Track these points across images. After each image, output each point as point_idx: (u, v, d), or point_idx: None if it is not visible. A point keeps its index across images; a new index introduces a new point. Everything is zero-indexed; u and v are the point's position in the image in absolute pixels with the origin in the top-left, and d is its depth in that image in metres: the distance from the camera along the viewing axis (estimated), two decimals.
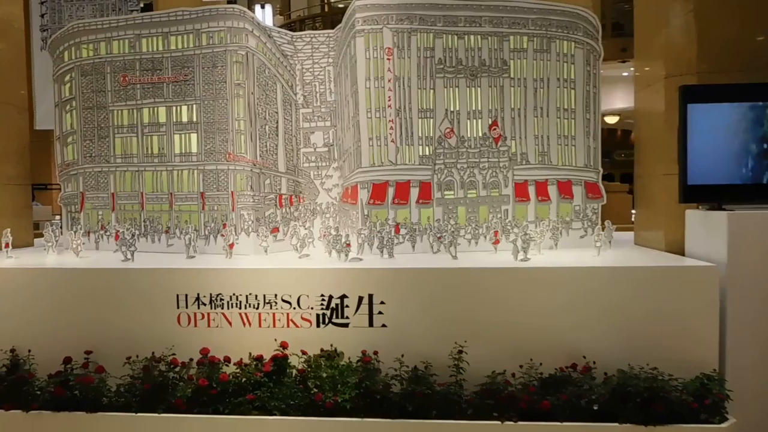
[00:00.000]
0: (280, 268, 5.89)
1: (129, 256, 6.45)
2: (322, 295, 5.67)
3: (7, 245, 6.92)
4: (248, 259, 6.68)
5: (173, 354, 5.70)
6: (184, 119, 7.43)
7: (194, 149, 7.41)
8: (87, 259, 6.91)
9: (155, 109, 7.55)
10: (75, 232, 7.10)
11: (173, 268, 5.97)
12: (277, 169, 7.67)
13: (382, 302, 5.62)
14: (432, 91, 7.15)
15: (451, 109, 7.20)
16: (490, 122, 7.28)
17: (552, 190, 7.43)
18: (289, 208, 7.83)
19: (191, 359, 5.72)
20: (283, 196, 7.74)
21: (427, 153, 7.16)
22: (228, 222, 7.25)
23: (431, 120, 7.18)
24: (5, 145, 7.89)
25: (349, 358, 5.61)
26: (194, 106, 7.38)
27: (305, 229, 7.50)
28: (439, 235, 6.95)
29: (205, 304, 5.77)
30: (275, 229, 7.50)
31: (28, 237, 8.34)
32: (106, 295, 5.88)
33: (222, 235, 7.21)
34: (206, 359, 5.64)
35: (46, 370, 5.78)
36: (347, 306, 5.65)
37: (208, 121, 7.31)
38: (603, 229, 6.77)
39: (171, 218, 7.56)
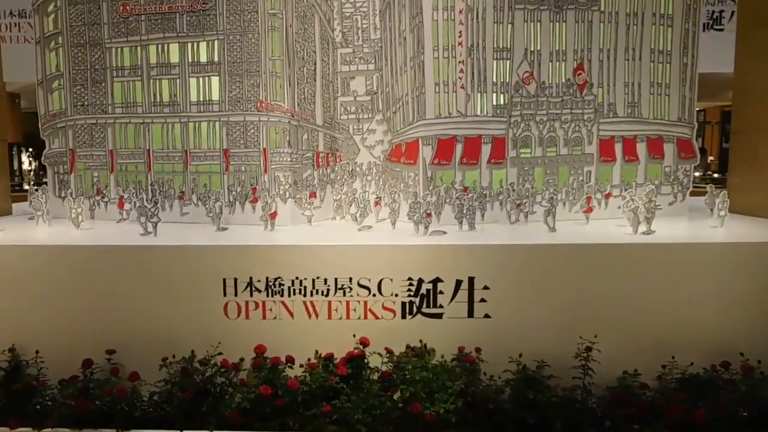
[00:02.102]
0: (355, 245, 4.66)
1: (150, 229, 5.12)
2: (410, 279, 4.50)
3: None
4: (288, 231, 5.43)
5: (219, 353, 4.46)
6: (203, 59, 6.03)
7: (216, 96, 6.03)
8: (90, 231, 5.55)
9: (165, 46, 6.12)
10: (75, 198, 5.68)
11: (217, 246, 4.68)
12: (315, 122, 6.35)
13: (485, 287, 4.48)
14: (510, 26, 5.92)
15: (531, 49, 5.99)
16: (575, 65, 6.11)
17: (641, 149, 6.35)
18: (326, 169, 6.55)
19: (242, 359, 4.50)
20: (320, 155, 6.45)
21: (502, 102, 5.96)
22: (259, 186, 5.95)
23: (507, 62, 5.97)
24: None
25: (442, 357, 4.48)
26: (216, 42, 5.97)
27: (340, 193, 6.29)
28: (518, 202, 5.82)
29: (259, 291, 4.53)
30: (312, 194, 6.23)
31: (5, 203, 6.85)
32: (128, 279, 4.59)
33: (251, 202, 5.93)
34: (264, 360, 4.44)
35: (55, 374, 4.50)
36: (441, 292, 4.50)
37: (234, 61, 5.92)
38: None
39: (186, 181, 6.20)
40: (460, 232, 5.26)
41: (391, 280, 4.50)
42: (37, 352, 4.52)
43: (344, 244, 4.64)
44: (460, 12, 5.75)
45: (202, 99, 6.07)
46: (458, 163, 5.89)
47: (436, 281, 4.49)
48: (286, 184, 5.87)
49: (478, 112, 5.91)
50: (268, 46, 5.81)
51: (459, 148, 5.87)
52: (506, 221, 5.82)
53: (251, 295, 4.55)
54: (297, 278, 4.52)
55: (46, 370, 4.50)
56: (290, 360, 4.45)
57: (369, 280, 4.51)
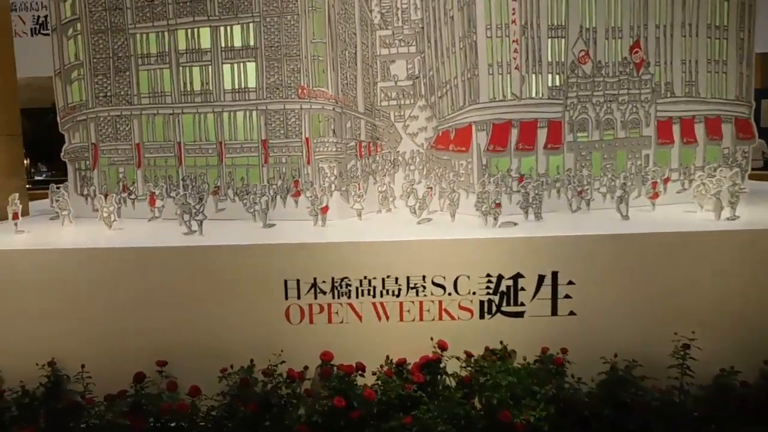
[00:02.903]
0: (428, 240, 4.29)
1: (195, 228, 4.72)
2: (489, 276, 4.14)
3: (15, 215, 5.08)
4: (340, 226, 5.08)
5: (282, 362, 4.10)
6: (237, 43, 5.62)
7: (252, 83, 5.62)
8: (123, 231, 5.14)
9: (195, 30, 5.69)
10: (106, 196, 5.27)
11: (279, 244, 4.29)
12: (357, 109, 5.97)
13: (570, 282, 4.14)
14: (565, 1, 5.55)
15: (587, 26, 5.63)
16: (631, 43, 5.76)
17: (699, 129, 6.03)
18: (368, 158, 6.17)
19: (306, 367, 4.14)
20: (362, 144, 6.07)
21: (557, 83, 5.61)
22: (301, 178, 5.56)
23: (563, 40, 5.61)
24: None
25: (525, 359, 4.15)
26: (251, 25, 5.56)
27: (384, 184, 5.93)
28: (579, 189, 5.48)
29: (324, 293, 4.17)
30: (358, 186, 5.86)
31: (23, 203, 6.38)
32: (178, 283, 4.21)
33: (293, 196, 5.56)
34: (332, 368, 4.08)
35: (97, 389, 4.12)
36: (522, 289, 4.15)
37: (272, 45, 5.52)
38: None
39: (221, 175, 5.80)
40: (528, 222, 4.92)
41: (468, 277, 4.15)
42: (83, 366, 4.12)
43: (416, 239, 4.27)
44: None
45: (237, 87, 5.67)
46: (513, 149, 5.53)
47: (516, 277, 4.15)
48: (332, 176, 5.49)
49: (533, 95, 5.57)
50: (309, 28, 5.40)
51: (514, 133, 5.52)
52: (566, 210, 5.48)
53: (315, 298, 4.18)
54: (365, 278, 4.16)
55: (93, 386, 4.10)
56: (361, 368, 4.09)
57: (444, 277, 4.16)
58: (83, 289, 4.22)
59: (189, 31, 5.69)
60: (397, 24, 6.19)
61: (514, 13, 5.42)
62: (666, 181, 5.84)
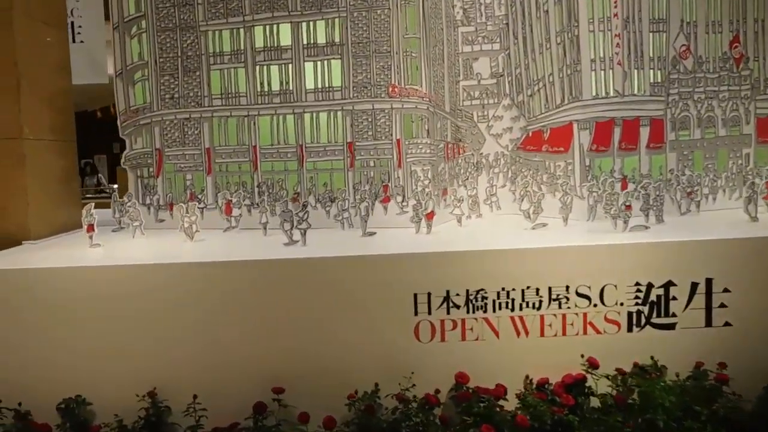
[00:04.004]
0: (571, 246, 3.94)
1: (297, 238, 4.34)
2: (638, 284, 3.80)
3: (90, 227, 4.65)
4: (447, 233, 4.73)
5: (413, 384, 3.72)
6: (321, 40, 5.26)
7: (337, 82, 5.26)
8: (206, 242, 4.74)
9: (274, 27, 5.32)
10: (187, 206, 4.86)
11: (405, 254, 3.91)
12: (444, 108, 5.63)
13: (725, 290, 3.81)
14: None
15: (687, 20, 5.34)
16: (731, 37, 5.49)
17: None
18: (452, 161, 5.83)
19: (437, 391, 3.76)
20: (449, 146, 5.72)
21: (659, 79, 5.31)
22: (391, 182, 5.21)
23: (664, 34, 5.31)
24: (44, 83, 5.41)
25: (677, 375, 3.81)
26: (336, 20, 5.20)
27: (466, 188, 5.59)
28: (689, 190, 5.18)
29: (458, 307, 3.80)
30: (444, 191, 5.52)
31: (76, 214, 5.94)
32: (285, 298, 3.79)
33: (381, 201, 5.20)
34: (470, 390, 3.70)
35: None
36: (674, 298, 3.81)
37: (360, 41, 5.17)
38: None
39: (301, 180, 5.43)
40: (655, 226, 4.60)
41: (616, 286, 3.81)
42: (195, 396, 3.70)
43: (559, 246, 3.92)
44: None
45: (320, 86, 5.30)
46: (616, 149, 5.22)
47: (668, 285, 3.81)
48: (425, 180, 5.13)
49: (635, 91, 5.26)
50: (402, 23, 5.05)
51: (617, 132, 5.21)
52: (673, 212, 5.17)
53: (448, 313, 3.81)
54: (503, 289, 3.80)
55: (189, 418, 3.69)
56: (501, 391, 3.72)
57: (589, 287, 3.81)
58: (178, 307, 3.79)
59: (267, 27, 5.32)
60: (480, 20, 5.85)
61: (616, 6, 5.12)
62: None
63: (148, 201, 5.78)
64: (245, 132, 5.47)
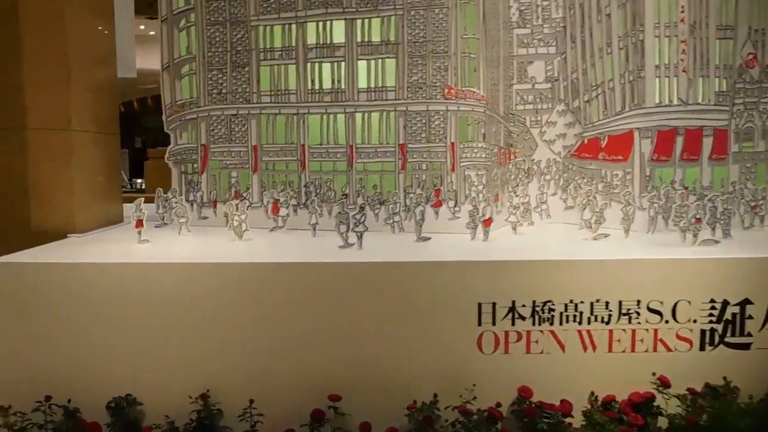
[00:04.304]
0: (643, 260, 3.77)
1: (353, 241, 4.21)
2: (713, 301, 3.62)
3: (139, 222, 4.55)
4: (505, 240, 4.56)
5: (474, 397, 3.57)
6: (375, 38, 5.13)
7: (391, 82, 5.12)
8: (254, 242, 4.63)
9: (327, 23, 5.20)
10: (238, 204, 4.75)
11: (470, 261, 3.76)
12: (498, 112, 5.47)
13: None
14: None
15: (756, 27, 5.15)
16: None
17: None
18: (504, 167, 5.67)
19: (498, 404, 3.60)
20: (502, 150, 5.57)
21: (724, 88, 5.12)
22: (444, 186, 5.06)
23: (730, 42, 5.12)
24: (91, 75, 5.32)
25: (750, 397, 3.62)
26: (392, 18, 5.07)
27: (516, 195, 5.43)
28: (753, 204, 4.98)
29: (523, 318, 3.64)
30: (496, 197, 5.36)
31: (118, 208, 5.87)
32: (343, 303, 3.66)
33: (433, 206, 5.05)
34: (534, 406, 3.55)
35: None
36: (750, 317, 3.63)
37: (416, 40, 5.03)
38: None
39: (350, 182, 5.30)
40: (722, 240, 4.41)
41: (689, 302, 3.63)
42: (251, 401, 3.58)
43: (632, 258, 3.75)
44: None
45: (373, 85, 5.17)
46: (678, 159, 5.03)
47: (744, 303, 3.63)
48: (479, 185, 4.98)
49: (700, 100, 5.07)
50: (460, 22, 4.91)
51: (680, 141, 5.02)
52: (737, 226, 4.97)
53: (513, 324, 3.66)
54: (571, 301, 3.63)
55: (261, 424, 3.57)
56: (568, 407, 3.55)
57: (661, 303, 3.63)
58: (234, 309, 3.67)
59: (320, 24, 5.20)
60: (537, 22, 5.69)
61: (683, 11, 4.95)
62: None
63: (191, 197, 5.68)
64: (294, 130, 5.36)
